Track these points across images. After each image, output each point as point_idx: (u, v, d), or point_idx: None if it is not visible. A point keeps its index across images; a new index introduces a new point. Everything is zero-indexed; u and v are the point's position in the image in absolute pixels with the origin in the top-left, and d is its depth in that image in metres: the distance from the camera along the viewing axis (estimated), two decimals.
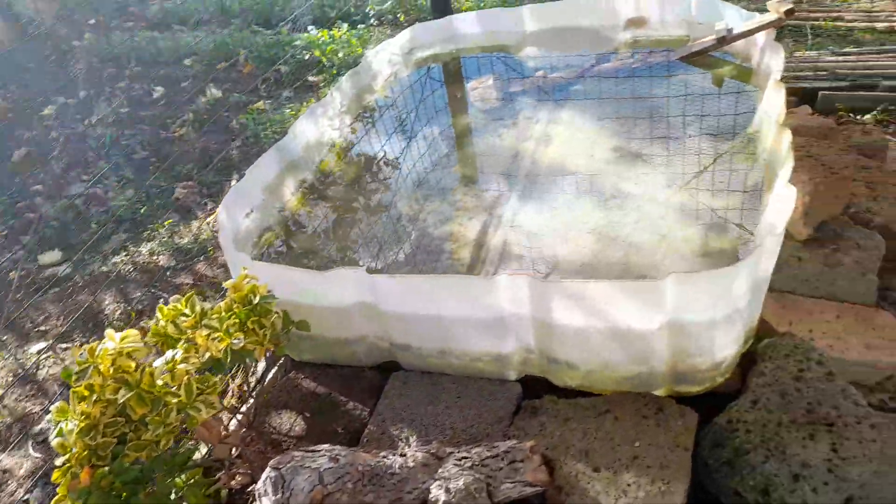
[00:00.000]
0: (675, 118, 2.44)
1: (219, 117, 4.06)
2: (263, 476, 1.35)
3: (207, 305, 1.65)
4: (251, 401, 1.96)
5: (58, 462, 1.46)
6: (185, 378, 1.49)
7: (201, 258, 2.94)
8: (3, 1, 5.63)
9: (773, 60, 2.19)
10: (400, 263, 2.13)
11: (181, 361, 1.52)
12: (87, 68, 5.00)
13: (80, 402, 1.45)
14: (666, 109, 2.49)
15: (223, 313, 1.62)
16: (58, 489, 1.44)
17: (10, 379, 2.51)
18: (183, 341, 1.57)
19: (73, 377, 1.47)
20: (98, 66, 5.06)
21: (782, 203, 1.62)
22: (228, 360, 1.51)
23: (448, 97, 2.87)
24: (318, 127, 2.55)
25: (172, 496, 1.53)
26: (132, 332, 1.54)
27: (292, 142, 2.41)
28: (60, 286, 2.97)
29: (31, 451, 2.20)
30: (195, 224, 3.19)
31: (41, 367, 2.55)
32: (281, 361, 2.08)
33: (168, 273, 2.87)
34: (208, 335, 1.55)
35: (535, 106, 2.68)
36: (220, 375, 1.55)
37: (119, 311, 2.73)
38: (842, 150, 2.00)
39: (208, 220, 3.20)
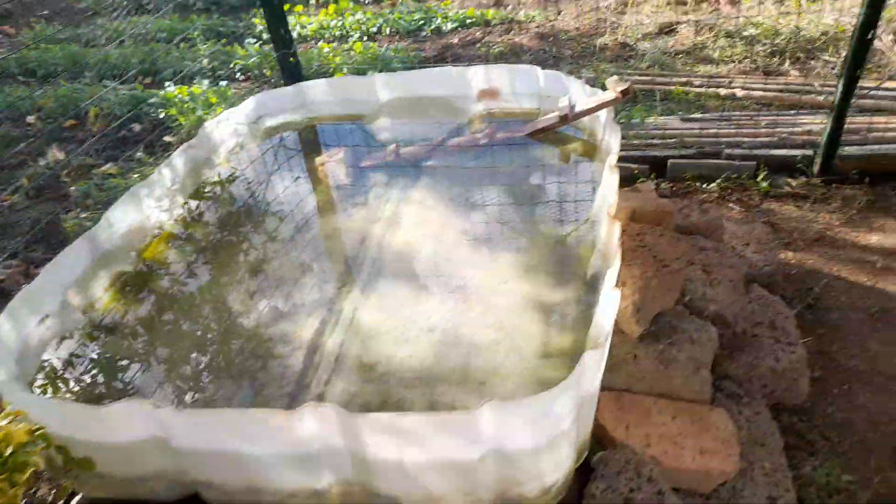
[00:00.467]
0: (522, 199, 2.38)
1: (57, 183, 3.70)
2: None
3: None
4: None
5: None
6: None
7: None
8: None
9: (612, 140, 2.17)
10: (222, 374, 1.91)
11: None
12: None
13: None
14: (514, 189, 2.43)
15: None
16: None
17: None
18: None
19: None
20: None
21: (608, 307, 1.55)
22: None
23: (296, 172, 2.70)
24: (143, 210, 2.30)
25: None
26: None
27: (107, 230, 2.15)
28: None
29: None
30: None
31: None
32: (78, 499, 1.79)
33: None
34: None
35: (387, 183, 2.56)
36: None
37: None
38: (675, 237, 1.99)
39: None
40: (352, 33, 4.77)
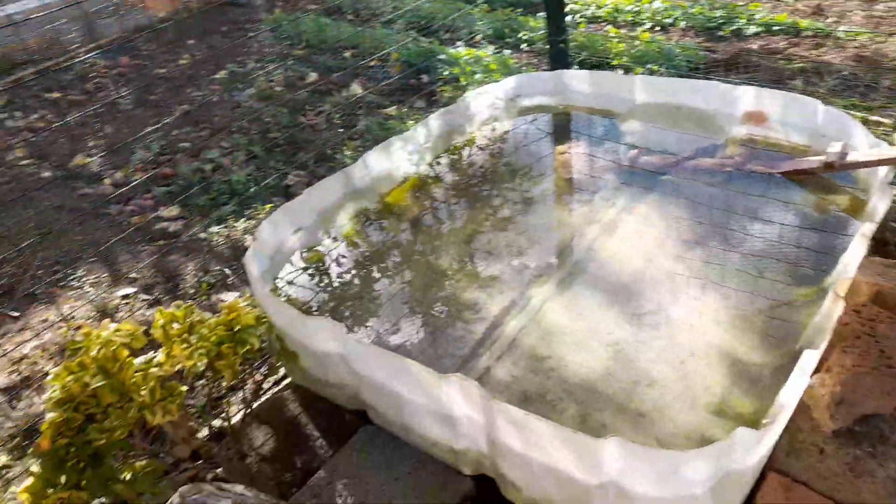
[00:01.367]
0: (754, 243, 2.19)
1: (351, 113, 4.29)
2: (170, 500, 1.46)
3: (199, 317, 1.78)
4: (241, 411, 2.09)
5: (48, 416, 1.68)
6: (153, 383, 1.63)
7: None
8: None
9: (880, 204, 1.89)
10: (412, 318, 2.15)
11: (155, 365, 1.67)
12: (262, 42, 5.50)
13: (69, 375, 1.65)
14: (749, 229, 2.25)
15: (208, 331, 1.75)
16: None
17: (93, 314, 2.88)
18: (166, 347, 1.72)
19: (67, 354, 1.68)
20: (272, 42, 5.54)
21: (791, 388, 1.42)
22: (189, 379, 1.64)
23: (536, 155, 2.81)
24: (394, 160, 2.61)
25: (128, 477, 1.70)
26: (128, 326, 1.72)
27: (363, 169, 2.50)
28: (166, 241, 3.34)
29: None
30: None
31: (120, 310, 2.90)
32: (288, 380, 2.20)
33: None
34: (187, 349, 1.69)
35: (617, 187, 2.54)
36: (186, 385, 1.69)
37: (195, 280, 3.02)
38: None
39: None
40: (643, 21, 4.64)
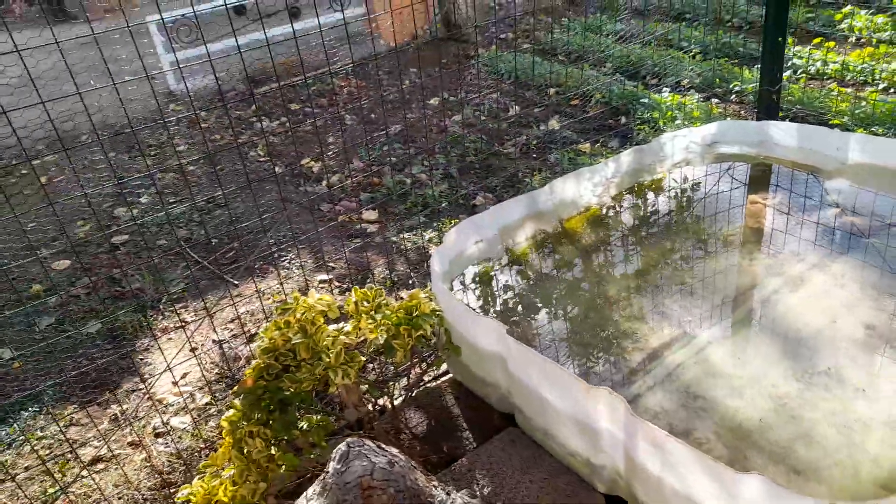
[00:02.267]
0: None
1: (545, 147, 4.48)
2: (339, 446, 1.69)
3: (384, 300, 2.04)
4: (402, 394, 2.32)
5: (252, 363, 2.03)
6: (339, 348, 1.90)
7: None
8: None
9: None
10: (571, 338, 2.23)
11: (343, 334, 1.94)
12: (474, 74, 5.93)
13: (275, 330, 1.98)
14: None
15: (391, 312, 1.99)
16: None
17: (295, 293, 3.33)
18: (354, 320, 1.99)
19: (277, 312, 2.01)
20: (485, 75, 5.95)
21: None
22: (369, 351, 1.88)
23: (728, 202, 2.75)
24: (580, 189, 2.73)
25: (304, 427, 1.99)
26: (328, 298, 2.02)
27: (548, 194, 2.65)
28: (362, 239, 3.76)
29: None
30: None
31: (317, 292, 3.32)
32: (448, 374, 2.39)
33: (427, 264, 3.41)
34: (372, 324, 1.95)
35: (811, 244, 2.42)
36: (369, 356, 1.94)
37: (383, 276, 3.36)
38: None
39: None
40: (877, 81, 4.28)
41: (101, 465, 2.40)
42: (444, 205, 3.95)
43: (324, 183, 4.51)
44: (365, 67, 6.50)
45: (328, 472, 1.65)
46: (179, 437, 2.49)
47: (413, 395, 2.28)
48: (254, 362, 1.97)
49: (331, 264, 3.54)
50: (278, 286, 3.38)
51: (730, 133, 2.90)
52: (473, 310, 2.00)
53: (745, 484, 1.32)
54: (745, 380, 1.94)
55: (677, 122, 4.25)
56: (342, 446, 1.70)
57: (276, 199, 4.31)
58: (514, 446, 1.99)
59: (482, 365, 2.04)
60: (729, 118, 4.20)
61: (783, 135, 2.78)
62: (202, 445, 2.45)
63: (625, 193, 2.85)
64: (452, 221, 3.76)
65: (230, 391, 2.65)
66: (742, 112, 4.42)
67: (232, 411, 1.95)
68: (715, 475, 1.38)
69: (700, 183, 2.89)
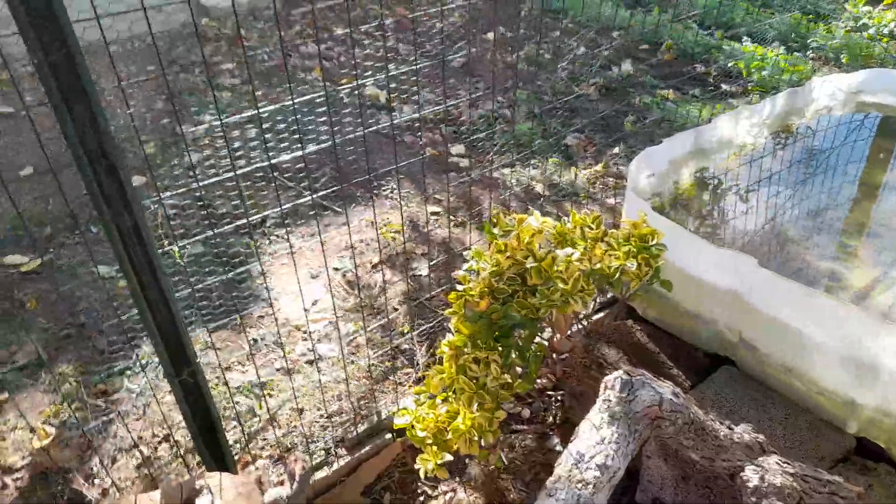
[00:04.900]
0: None
1: (624, 90, 4.36)
2: (614, 376, 1.59)
3: (605, 228, 1.93)
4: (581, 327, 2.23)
5: (458, 288, 1.90)
6: (577, 274, 1.79)
7: (572, 199, 3.30)
8: None
9: None
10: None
11: (576, 261, 1.83)
12: (530, 11, 5.71)
13: (497, 253, 1.85)
14: None
15: (620, 240, 1.88)
16: (453, 305, 1.87)
17: (408, 223, 3.18)
18: (583, 247, 1.87)
19: (499, 234, 1.88)
20: (538, 13, 5.74)
21: None
22: (617, 276, 1.78)
23: (880, 149, 2.73)
24: (738, 128, 2.65)
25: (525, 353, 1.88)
26: (549, 220, 1.89)
27: (711, 130, 2.56)
28: (457, 173, 3.60)
29: (408, 278, 2.81)
30: (574, 171, 3.56)
31: (431, 224, 3.17)
32: (614, 308, 2.31)
33: (541, 201, 3.30)
34: (606, 251, 1.84)
35: None
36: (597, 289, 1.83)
37: (494, 212, 3.22)
38: None
39: (587, 171, 3.54)
40: None
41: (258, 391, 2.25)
42: (538, 143, 3.82)
43: (396, 113, 4.29)
44: None
45: (609, 399, 1.57)
46: (332, 365, 2.35)
47: (596, 331, 2.20)
48: (474, 285, 1.84)
49: (437, 196, 3.38)
50: (387, 214, 3.21)
51: (875, 82, 2.85)
52: (707, 240, 1.92)
53: None
54: None
55: (764, 73, 4.19)
56: (620, 374, 1.61)
57: (353, 127, 4.08)
58: (736, 385, 1.94)
59: (701, 300, 1.97)
60: (821, 71, 4.17)
61: None
62: (361, 374, 2.31)
63: (774, 134, 2.78)
64: (552, 160, 3.64)
65: (370, 318, 2.51)
66: (821, 67, 4.39)
67: (454, 336, 1.83)
68: None
69: (851, 128, 2.85)
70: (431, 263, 2.86)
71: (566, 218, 1.97)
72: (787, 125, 2.82)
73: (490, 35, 5.36)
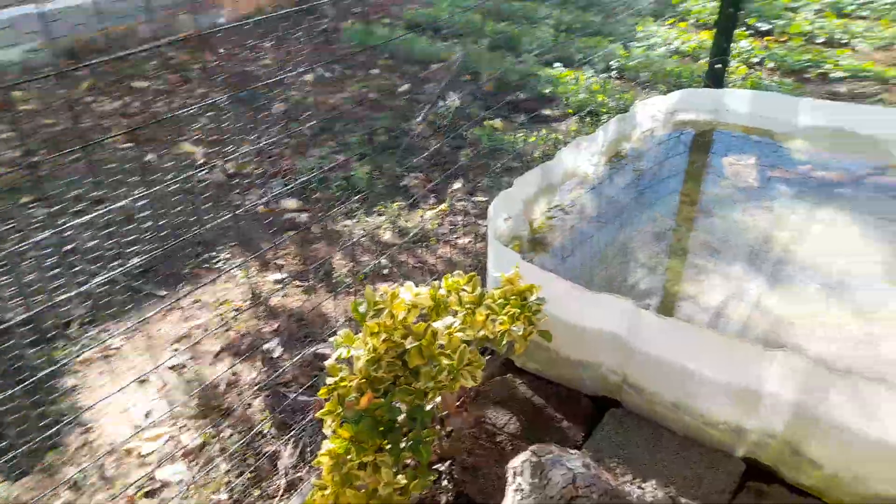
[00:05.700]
0: None
1: (454, 124, 4.35)
2: (521, 458, 1.44)
3: (482, 289, 1.79)
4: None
5: (328, 381, 1.65)
6: (461, 346, 1.63)
7: (423, 244, 3.16)
8: None
9: None
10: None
11: (458, 331, 1.67)
12: (341, 50, 5.56)
13: (371, 337, 1.63)
14: None
15: (498, 301, 1.75)
16: (326, 404, 1.62)
17: (249, 297, 2.83)
18: (461, 314, 1.71)
19: (369, 314, 1.66)
20: (353, 51, 5.60)
21: None
22: (503, 343, 1.64)
23: (704, 165, 2.90)
24: (579, 159, 2.67)
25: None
26: (422, 290, 1.71)
27: (556, 165, 2.55)
28: (298, 231, 3.32)
29: (259, 363, 2.47)
30: (419, 213, 3.44)
31: (274, 294, 2.85)
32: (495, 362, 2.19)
33: (392, 249, 3.12)
34: (487, 315, 1.69)
35: (795, 197, 2.64)
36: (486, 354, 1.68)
37: (346, 269, 2.99)
38: None
39: (431, 212, 3.43)
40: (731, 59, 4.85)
41: None
42: (378, 187, 3.64)
43: (217, 170, 3.89)
44: (212, 40, 5.73)
45: (522, 488, 1.40)
46: (180, 493, 1.96)
47: (480, 391, 2.05)
48: (348, 378, 1.60)
49: (279, 261, 3.06)
50: (222, 290, 2.84)
51: (689, 101, 3.06)
52: (578, 285, 1.85)
53: None
54: (808, 323, 2.06)
55: (580, 96, 4.40)
56: (528, 456, 1.46)
57: (171, 191, 3.62)
58: (627, 428, 1.88)
59: (581, 346, 1.90)
60: (630, 92, 4.46)
61: (736, 102, 3.00)
62: (220, 498, 1.96)
63: (610, 161, 2.86)
64: (394, 205, 3.49)
65: (219, 426, 2.15)
66: (629, 85, 4.71)
67: (332, 440, 1.57)
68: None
69: (678, 147, 3.01)
70: (285, 341, 2.55)
71: (437, 282, 1.80)
72: (619, 151, 2.91)
73: (310, 77, 5.13)
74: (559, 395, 2.05)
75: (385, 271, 2.95)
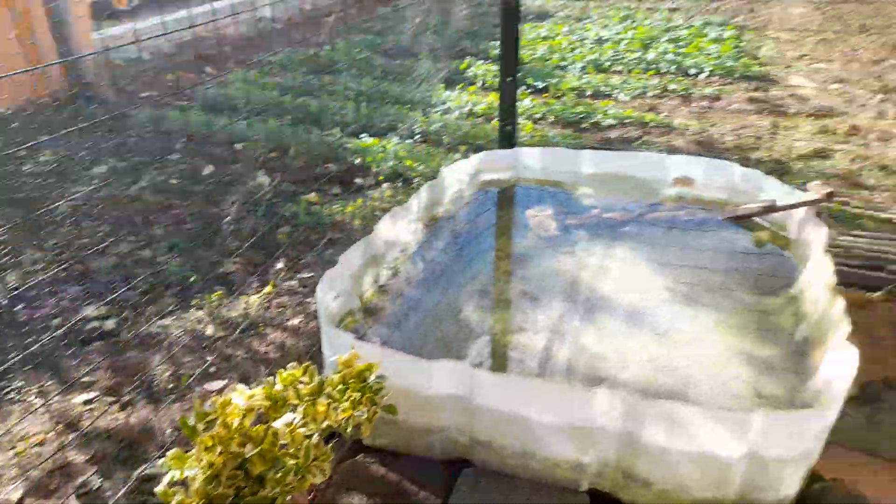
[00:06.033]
0: (719, 269, 2.72)
1: (268, 203, 4.27)
2: None
3: (321, 377, 1.76)
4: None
5: None
6: (305, 442, 1.57)
7: (251, 333, 3.03)
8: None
9: (816, 233, 2.51)
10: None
11: (300, 426, 1.61)
12: (137, 137, 5.25)
13: (205, 452, 1.52)
14: (712, 260, 2.78)
15: (338, 387, 1.73)
16: None
17: (55, 426, 2.50)
18: (301, 407, 1.66)
19: (200, 428, 1.55)
20: (149, 137, 5.32)
21: (845, 360, 1.84)
22: (349, 430, 1.61)
23: (511, 220, 3.14)
24: (397, 229, 2.76)
25: None
26: (258, 392, 1.64)
27: (377, 238, 2.61)
28: (105, 340, 3.01)
29: (72, 502, 2.17)
30: (244, 299, 3.30)
31: (84, 418, 2.55)
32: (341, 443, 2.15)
33: (218, 343, 2.94)
34: (329, 404, 1.66)
35: (591, 239, 2.95)
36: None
37: (168, 374, 2.76)
38: (876, 321, 2.27)
39: (257, 296, 3.31)
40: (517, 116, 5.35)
41: None
42: (193, 279, 3.44)
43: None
44: None
45: None
46: None
47: (333, 478, 1.99)
48: (188, 502, 1.47)
49: (86, 379, 2.74)
50: (20, 428, 2.47)
51: (489, 162, 3.31)
52: (414, 356, 1.89)
53: (751, 420, 1.61)
54: (619, 354, 2.29)
55: (389, 163, 4.56)
56: None
57: None
58: (481, 486, 1.93)
59: (427, 414, 1.93)
60: (434, 154, 4.70)
61: (530, 158, 3.31)
62: None
63: (427, 226, 2.99)
64: (215, 296, 3.31)
65: None
66: (433, 149, 4.98)
67: None
68: (725, 422, 1.64)
69: (485, 206, 3.22)
70: (105, 469, 2.28)
71: (272, 378, 1.74)
72: (433, 215, 3.05)
73: (101, 169, 4.76)
74: (413, 466, 2.05)
75: (212, 369, 2.77)
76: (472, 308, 2.56)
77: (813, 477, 1.93)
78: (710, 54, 6.73)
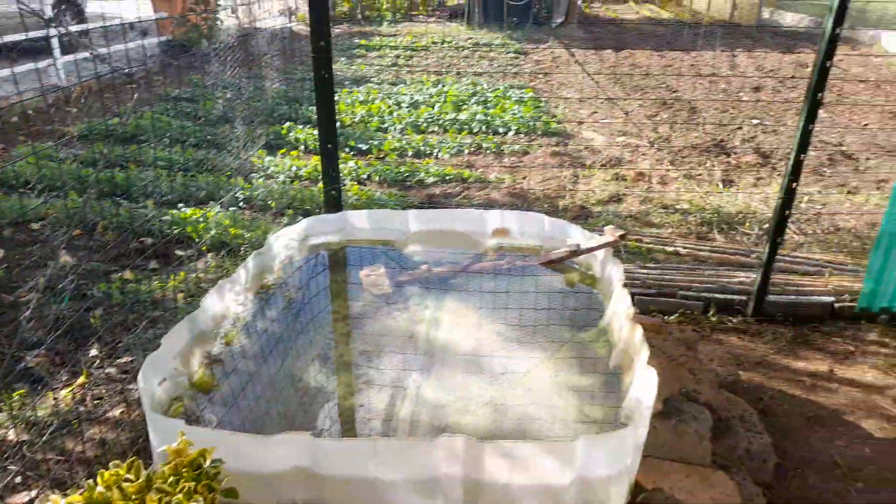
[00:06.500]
0: (540, 310, 2.95)
1: (75, 284, 3.90)
2: None
3: (149, 471, 1.63)
4: None
5: None
6: None
7: (64, 432, 2.72)
8: None
9: (615, 270, 2.83)
10: (315, 434, 2.23)
11: None
12: None
13: None
14: (533, 302, 3.01)
15: (169, 478, 1.61)
16: None
17: None
18: None
19: None
20: None
21: (647, 382, 2.09)
22: None
23: (344, 281, 3.16)
24: (225, 301, 2.67)
25: None
26: (77, 498, 1.49)
27: (203, 314, 2.50)
28: None
29: None
30: (50, 395, 2.96)
31: None
32: None
33: (24, 448, 2.60)
34: (160, 499, 1.54)
35: (423, 294, 3.06)
36: None
37: None
38: (671, 342, 2.60)
39: (66, 390, 2.99)
40: (343, 178, 5.44)
41: None
42: None
43: None
44: None
45: None
46: None
47: None
48: None
49: None
50: None
51: (316, 226, 3.32)
52: (257, 433, 1.82)
53: (577, 446, 1.76)
54: (460, 401, 2.39)
55: (211, 232, 4.40)
56: None
57: None
58: None
59: (274, 490, 1.86)
60: (259, 221, 4.61)
61: (358, 220, 3.37)
62: None
63: (258, 295, 2.92)
64: (16, 395, 2.92)
65: None
66: (257, 215, 4.89)
67: None
68: (556, 452, 1.77)
69: (316, 271, 3.21)
70: None
71: (92, 481, 1.58)
72: (263, 283, 2.99)
73: None
74: None
75: (18, 480, 2.44)
76: (313, 374, 2.53)
77: (637, 489, 2.14)
78: (515, 114, 7.38)
